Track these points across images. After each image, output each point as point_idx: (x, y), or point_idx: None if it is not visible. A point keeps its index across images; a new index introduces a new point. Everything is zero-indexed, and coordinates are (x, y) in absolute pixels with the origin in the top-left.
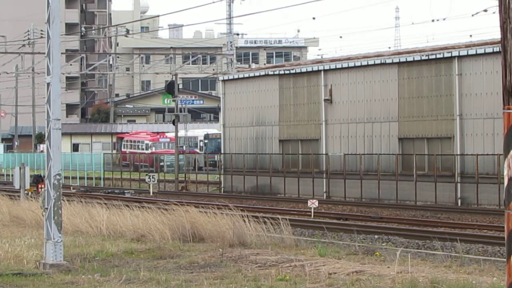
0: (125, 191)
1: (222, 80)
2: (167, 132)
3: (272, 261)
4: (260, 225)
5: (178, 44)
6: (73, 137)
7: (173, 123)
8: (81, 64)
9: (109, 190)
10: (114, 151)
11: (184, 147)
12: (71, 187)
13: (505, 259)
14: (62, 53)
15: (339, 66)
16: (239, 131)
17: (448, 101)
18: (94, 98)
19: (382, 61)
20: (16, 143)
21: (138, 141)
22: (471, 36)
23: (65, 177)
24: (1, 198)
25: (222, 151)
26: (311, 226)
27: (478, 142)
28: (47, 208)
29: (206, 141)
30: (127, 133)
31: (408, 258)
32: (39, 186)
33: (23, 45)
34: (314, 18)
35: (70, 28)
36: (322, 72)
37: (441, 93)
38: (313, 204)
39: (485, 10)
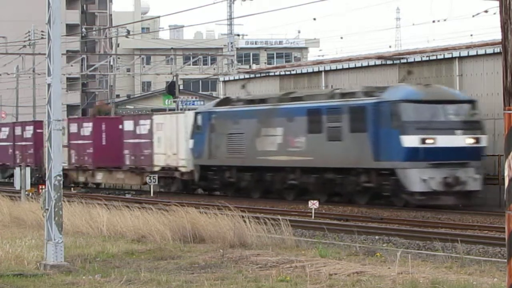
0: (125, 192)
1: (222, 81)
2: None
3: (273, 262)
4: (260, 226)
5: (178, 45)
6: None
7: None
8: (82, 65)
9: (110, 191)
10: None
11: None
12: (72, 188)
13: (505, 260)
14: (62, 54)
15: (339, 67)
16: None
17: None
18: (95, 99)
19: (383, 62)
20: None
21: None
22: (471, 35)
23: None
24: (2, 199)
25: None
26: (311, 227)
27: None
28: (47, 209)
29: None
30: None
31: (409, 259)
32: (40, 187)
33: (24, 46)
34: (314, 19)
35: (70, 29)
36: (323, 73)
37: None
38: (313, 205)
39: (486, 11)
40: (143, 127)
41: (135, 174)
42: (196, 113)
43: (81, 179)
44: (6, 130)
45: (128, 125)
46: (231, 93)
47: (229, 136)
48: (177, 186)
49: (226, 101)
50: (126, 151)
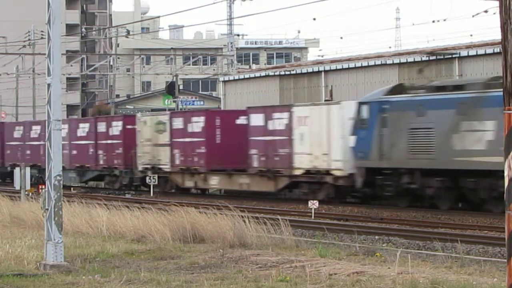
0: (125, 192)
1: (222, 81)
2: None
3: (273, 262)
4: (260, 225)
5: (178, 45)
6: None
7: None
8: (82, 65)
9: (109, 191)
10: None
11: None
12: (72, 188)
13: (505, 260)
14: (62, 54)
15: (339, 67)
16: None
17: None
18: (95, 99)
19: (383, 62)
20: None
21: None
22: (471, 36)
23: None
24: (2, 199)
25: None
26: (311, 227)
27: None
28: (47, 209)
29: None
30: None
31: (409, 259)
32: (40, 187)
33: (24, 46)
34: (314, 19)
35: (70, 29)
36: (323, 73)
37: None
38: (313, 205)
39: (486, 11)
40: (279, 121)
41: (266, 178)
42: (361, 104)
43: (189, 184)
44: (85, 127)
45: (256, 119)
46: (230, 93)
47: (411, 131)
48: (327, 193)
49: (400, 89)
50: (253, 151)
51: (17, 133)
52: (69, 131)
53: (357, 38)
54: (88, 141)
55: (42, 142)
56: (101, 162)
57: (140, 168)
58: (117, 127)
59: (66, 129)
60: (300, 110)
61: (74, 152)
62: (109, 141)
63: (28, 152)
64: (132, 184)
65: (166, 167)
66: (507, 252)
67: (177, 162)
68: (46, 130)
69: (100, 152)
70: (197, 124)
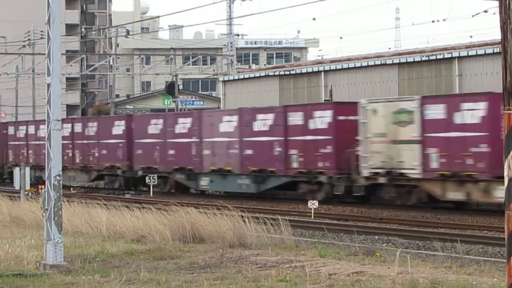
0: (125, 192)
1: (222, 81)
2: None
3: (273, 262)
4: (260, 225)
5: (178, 45)
6: None
7: None
8: (82, 65)
9: (109, 191)
10: None
11: None
12: (71, 188)
13: (505, 260)
14: (62, 54)
15: (339, 67)
16: None
17: None
18: (95, 99)
19: (382, 62)
20: None
21: None
22: (471, 37)
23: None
24: (1, 199)
25: None
26: (311, 227)
27: None
28: (47, 209)
29: None
30: None
31: (408, 259)
32: (39, 187)
33: (24, 46)
34: (314, 19)
35: (70, 29)
36: (323, 73)
37: (441, 93)
38: (313, 205)
39: (486, 11)
40: None
41: None
42: None
43: (455, 195)
44: (268, 118)
45: None
46: (230, 93)
47: None
48: None
49: None
50: None
51: (154, 128)
52: (239, 125)
53: (357, 38)
54: (272, 137)
55: (194, 139)
56: (295, 165)
57: (366, 173)
58: (322, 119)
59: (234, 121)
60: None
61: (249, 152)
62: (309, 137)
63: (170, 152)
64: (350, 195)
65: (414, 172)
66: (507, 252)
67: (434, 165)
68: (46, 130)
69: (293, 151)
70: (471, 112)
